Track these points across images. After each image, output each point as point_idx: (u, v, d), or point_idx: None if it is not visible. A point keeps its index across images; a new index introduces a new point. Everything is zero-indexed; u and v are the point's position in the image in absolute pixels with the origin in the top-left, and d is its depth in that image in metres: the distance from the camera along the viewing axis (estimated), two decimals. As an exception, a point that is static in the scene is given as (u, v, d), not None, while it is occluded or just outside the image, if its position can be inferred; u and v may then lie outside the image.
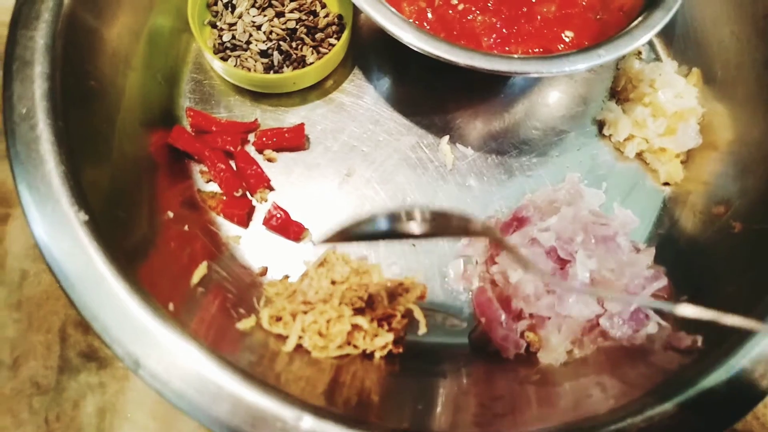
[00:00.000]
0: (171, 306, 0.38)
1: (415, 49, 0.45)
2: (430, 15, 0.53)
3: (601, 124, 0.56)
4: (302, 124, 0.52)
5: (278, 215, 0.49)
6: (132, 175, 0.45)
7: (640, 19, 0.47)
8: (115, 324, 0.36)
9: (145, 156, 0.48)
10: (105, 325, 0.36)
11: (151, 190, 0.46)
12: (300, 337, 0.42)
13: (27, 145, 0.40)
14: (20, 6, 0.43)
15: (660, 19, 0.47)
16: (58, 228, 0.38)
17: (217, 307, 0.42)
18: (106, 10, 0.47)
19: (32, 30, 0.43)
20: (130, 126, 0.47)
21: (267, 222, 0.49)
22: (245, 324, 0.42)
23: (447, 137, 0.54)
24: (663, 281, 0.45)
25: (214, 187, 0.50)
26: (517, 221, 0.48)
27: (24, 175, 0.39)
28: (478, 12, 0.53)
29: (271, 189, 0.51)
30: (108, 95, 0.46)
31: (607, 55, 0.45)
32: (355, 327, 0.43)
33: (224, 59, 0.53)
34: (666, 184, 0.54)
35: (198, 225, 0.48)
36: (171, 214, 0.45)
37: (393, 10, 0.47)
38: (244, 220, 0.48)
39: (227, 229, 0.50)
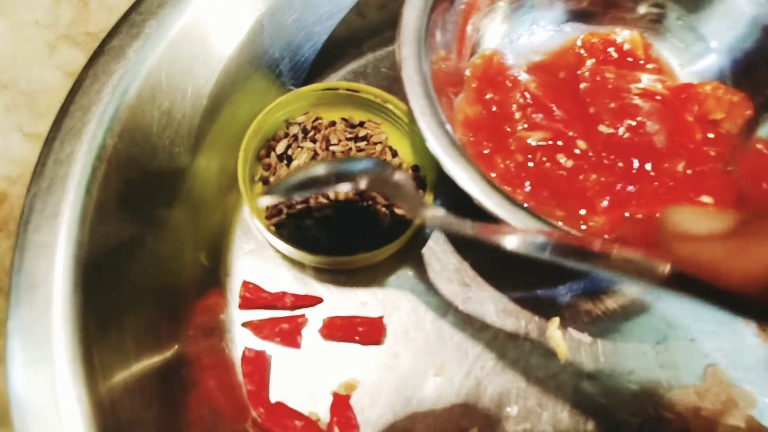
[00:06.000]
0: None
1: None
2: (531, 166, 0.43)
3: (738, 297, 0.46)
4: (380, 319, 0.42)
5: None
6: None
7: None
8: None
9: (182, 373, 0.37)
10: None
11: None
12: None
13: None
14: (31, 199, 0.34)
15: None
16: None
17: None
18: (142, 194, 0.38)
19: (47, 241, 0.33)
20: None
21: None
22: None
23: (556, 320, 0.44)
24: None
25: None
26: (666, 450, 0.38)
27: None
28: (589, 168, 0.43)
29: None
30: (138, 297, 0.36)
31: None
32: None
33: (278, 225, 0.44)
34: (827, 373, 0.44)
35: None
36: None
37: (481, 175, 0.37)
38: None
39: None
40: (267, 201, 0.37)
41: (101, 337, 0.32)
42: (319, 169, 0.36)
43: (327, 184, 0.36)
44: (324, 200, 0.44)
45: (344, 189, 0.38)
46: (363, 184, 0.36)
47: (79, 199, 0.34)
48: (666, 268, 0.24)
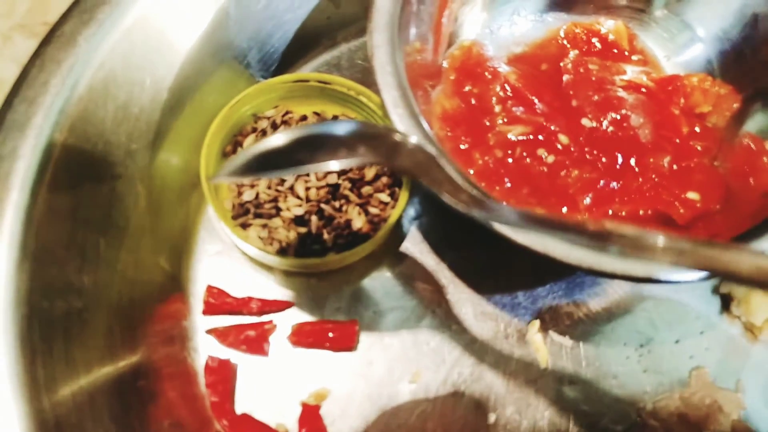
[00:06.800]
0: None
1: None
2: (510, 162, 0.41)
3: (725, 299, 0.44)
4: (353, 324, 0.40)
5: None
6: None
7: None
8: None
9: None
10: None
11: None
12: None
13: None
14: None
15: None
16: None
17: None
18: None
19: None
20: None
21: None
22: None
23: (537, 323, 0.42)
24: None
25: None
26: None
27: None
28: (571, 164, 0.41)
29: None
30: (91, 309, 0.34)
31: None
32: None
33: (245, 226, 0.41)
34: (816, 376, 0.42)
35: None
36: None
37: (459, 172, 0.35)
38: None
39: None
40: (224, 180, 0.31)
41: (46, 348, 0.30)
42: (280, 139, 0.29)
43: (306, 159, 0.29)
44: (294, 199, 0.42)
45: (334, 167, 0.30)
46: (361, 152, 0.30)
47: (23, 200, 0.32)
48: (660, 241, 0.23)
